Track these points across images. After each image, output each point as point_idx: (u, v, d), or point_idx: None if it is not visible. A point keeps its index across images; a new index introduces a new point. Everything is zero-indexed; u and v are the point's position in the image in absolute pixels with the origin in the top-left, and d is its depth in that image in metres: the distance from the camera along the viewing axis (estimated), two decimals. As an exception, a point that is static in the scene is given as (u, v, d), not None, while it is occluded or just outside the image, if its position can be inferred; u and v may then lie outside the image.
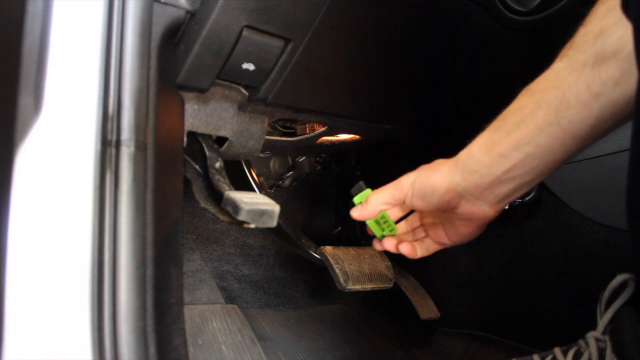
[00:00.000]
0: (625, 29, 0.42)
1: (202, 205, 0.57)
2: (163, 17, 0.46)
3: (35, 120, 0.37)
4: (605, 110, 0.45)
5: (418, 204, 0.56)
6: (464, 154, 0.52)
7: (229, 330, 0.78)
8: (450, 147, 0.59)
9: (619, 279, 0.46)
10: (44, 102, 0.37)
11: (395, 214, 0.62)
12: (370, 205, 0.59)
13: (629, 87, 0.43)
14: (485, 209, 0.53)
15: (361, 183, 0.66)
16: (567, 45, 0.47)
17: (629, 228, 0.40)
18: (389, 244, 0.62)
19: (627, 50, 0.42)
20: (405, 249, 0.60)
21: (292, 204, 1.15)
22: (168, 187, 0.45)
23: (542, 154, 0.48)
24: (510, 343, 0.82)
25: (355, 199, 0.64)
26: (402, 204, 0.58)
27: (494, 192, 0.51)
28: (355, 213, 0.61)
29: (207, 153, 0.61)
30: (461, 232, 0.56)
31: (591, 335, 0.46)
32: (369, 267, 0.86)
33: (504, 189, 0.50)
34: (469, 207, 0.53)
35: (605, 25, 0.43)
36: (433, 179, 0.53)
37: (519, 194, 0.52)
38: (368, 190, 0.63)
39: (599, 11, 0.45)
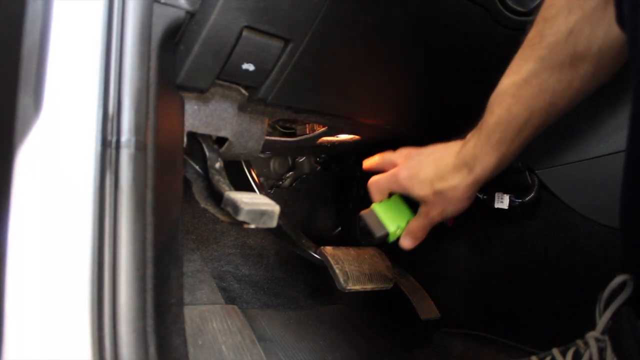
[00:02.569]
0: (591, 27, 0.45)
1: (202, 205, 0.57)
2: (163, 18, 0.46)
3: (35, 120, 0.37)
4: (587, 95, 0.51)
5: None
6: (479, 169, 0.57)
7: (229, 330, 0.78)
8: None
9: (619, 279, 0.46)
10: (44, 102, 0.37)
11: None
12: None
13: (603, 76, 0.49)
14: None
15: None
16: (535, 43, 0.50)
17: (619, 225, 0.41)
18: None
19: (596, 47, 0.46)
20: None
21: (292, 204, 1.15)
22: (168, 188, 0.45)
23: None
24: (510, 343, 0.82)
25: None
26: None
27: None
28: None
29: (207, 153, 0.61)
30: None
31: (591, 335, 0.46)
32: (369, 267, 0.86)
33: None
34: None
35: (573, 24, 0.46)
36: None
37: None
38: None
39: (559, 7, 0.47)
